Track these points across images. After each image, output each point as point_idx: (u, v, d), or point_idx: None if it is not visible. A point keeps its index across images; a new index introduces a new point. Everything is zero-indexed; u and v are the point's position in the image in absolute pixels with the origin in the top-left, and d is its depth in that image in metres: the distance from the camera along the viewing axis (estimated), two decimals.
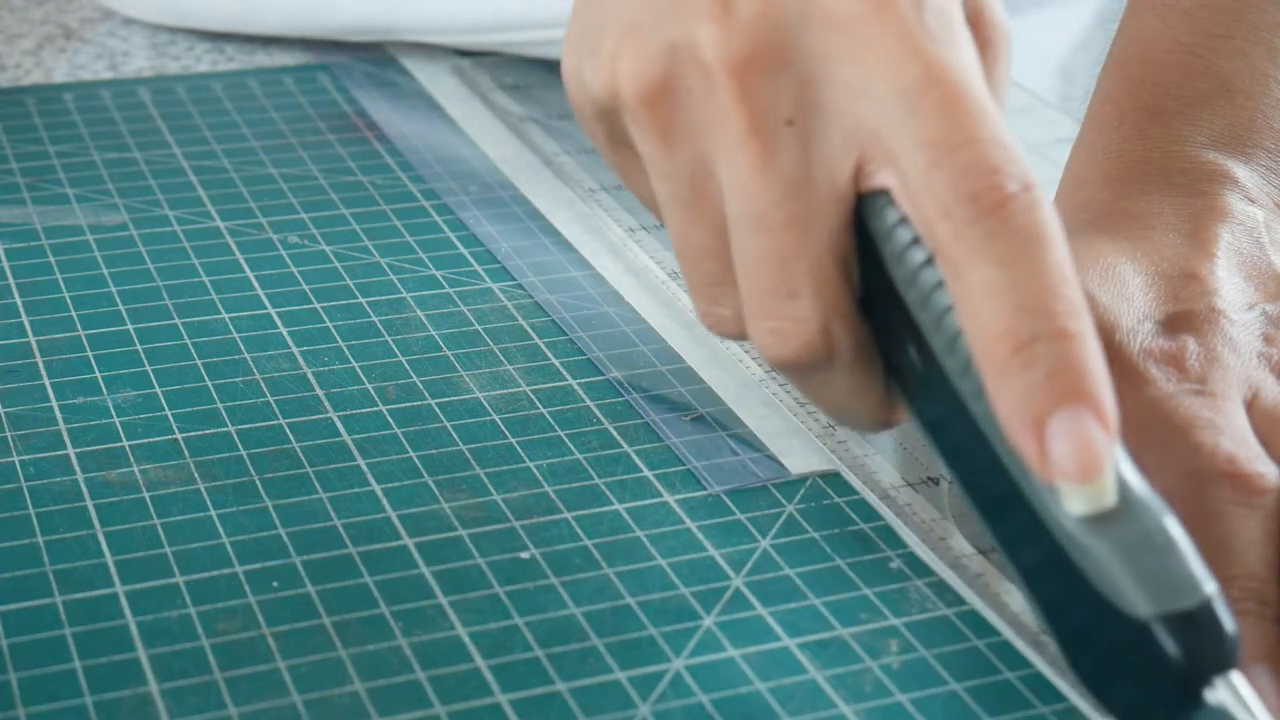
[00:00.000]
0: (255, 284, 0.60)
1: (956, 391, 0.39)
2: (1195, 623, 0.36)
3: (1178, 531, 0.37)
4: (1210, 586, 0.37)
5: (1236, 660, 0.37)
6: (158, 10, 0.80)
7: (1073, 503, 0.37)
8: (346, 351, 0.56)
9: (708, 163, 0.42)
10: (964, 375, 0.39)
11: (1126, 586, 0.37)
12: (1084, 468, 0.37)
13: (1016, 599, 0.46)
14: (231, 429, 0.52)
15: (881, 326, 0.41)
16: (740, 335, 0.43)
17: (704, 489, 0.50)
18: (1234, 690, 0.37)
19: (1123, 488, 0.37)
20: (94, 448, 0.51)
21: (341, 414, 0.53)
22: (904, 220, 0.39)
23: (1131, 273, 0.50)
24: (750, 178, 0.40)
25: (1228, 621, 0.37)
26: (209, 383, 0.54)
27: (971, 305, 0.38)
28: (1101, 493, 0.37)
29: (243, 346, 0.56)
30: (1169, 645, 0.36)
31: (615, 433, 0.53)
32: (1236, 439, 0.45)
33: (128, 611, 0.45)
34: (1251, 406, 0.47)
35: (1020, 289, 0.37)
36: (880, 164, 0.40)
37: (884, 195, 0.40)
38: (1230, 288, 0.50)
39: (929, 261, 0.39)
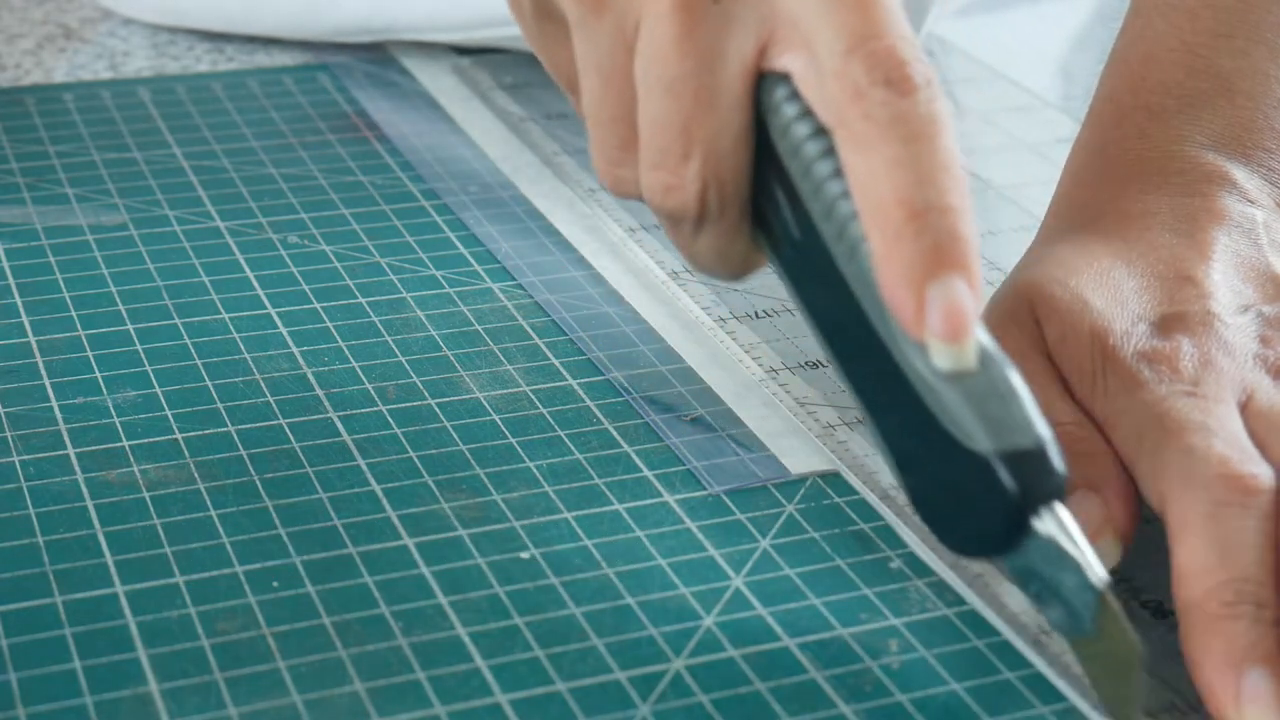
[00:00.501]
0: (255, 284, 0.60)
1: (829, 253, 0.43)
2: (1030, 459, 0.40)
3: (1020, 383, 0.41)
4: (1045, 431, 0.41)
5: (1064, 495, 0.41)
6: (158, 10, 0.80)
7: (940, 360, 0.41)
8: (346, 351, 0.56)
9: (631, 31, 0.44)
10: (838, 239, 0.43)
11: (973, 427, 0.41)
12: (955, 329, 0.40)
13: (1017, 599, 0.46)
14: (231, 429, 0.52)
15: (758, 190, 0.45)
16: (635, 195, 0.47)
17: (704, 489, 0.50)
18: (1059, 520, 0.41)
19: (977, 344, 0.41)
20: (94, 448, 0.51)
21: (341, 414, 0.53)
22: (792, 97, 0.43)
23: (1126, 275, 0.50)
24: (670, 47, 0.43)
25: (1058, 461, 0.41)
26: (209, 383, 0.54)
27: (873, 177, 0.41)
28: (965, 352, 0.41)
29: (243, 346, 0.56)
30: (1006, 478, 0.40)
31: (615, 433, 0.53)
32: (1229, 441, 0.45)
33: (128, 611, 0.45)
34: (1246, 408, 0.47)
35: (921, 164, 0.41)
36: (786, 48, 0.43)
37: (776, 75, 0.43)
38: (1226, 290, 0.50)
39: (813, 136, 0.43)
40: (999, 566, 0.46)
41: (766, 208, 0.45)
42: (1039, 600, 0.42)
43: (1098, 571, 0.41)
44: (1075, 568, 0.41)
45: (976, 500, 0.41)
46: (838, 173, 0.42)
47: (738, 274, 0.47)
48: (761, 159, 0.44)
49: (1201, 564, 0.43)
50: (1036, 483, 0.41)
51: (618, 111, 0.46)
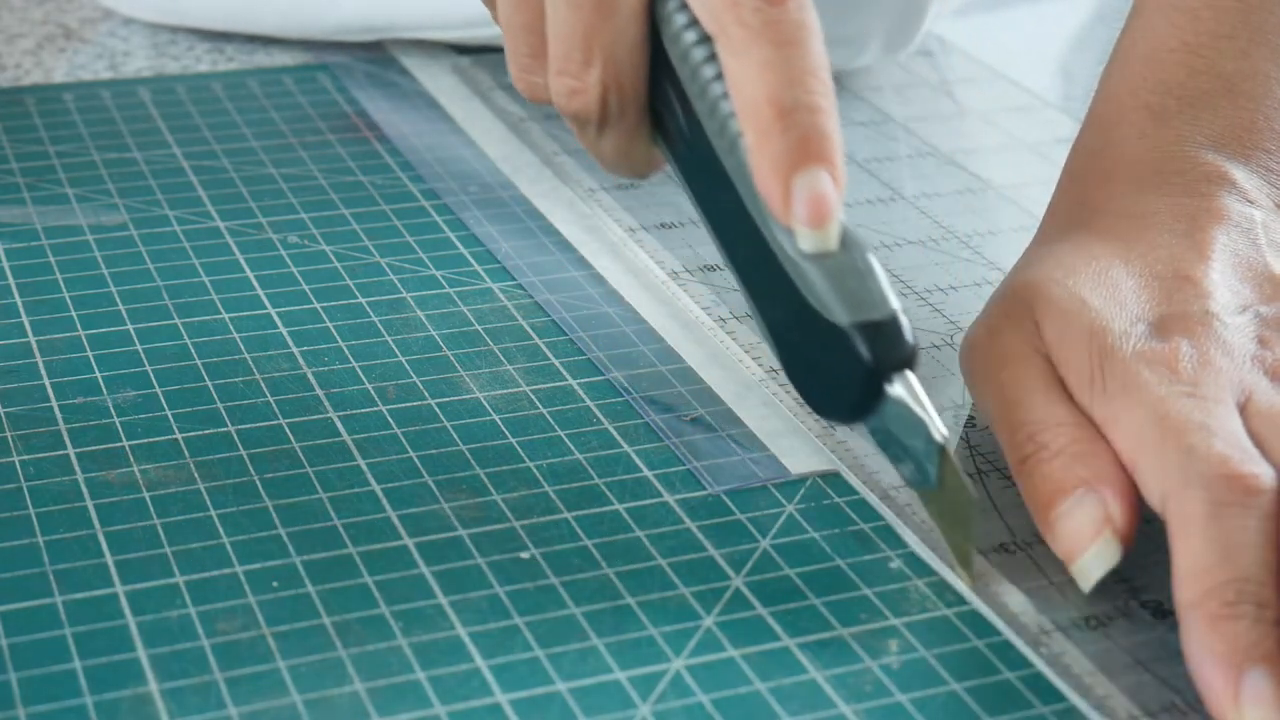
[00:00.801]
0: (255, 284, 0.60)
1: (712, 147, 0.48)
2: (883, 331, 0.45)
3: (877, 264, 0.46)
4: (897, 305, 0.46)
5: (914, 363, 0.46)
6: (157, 10, 0.80)
7: (805, 243, 0.46)
8: (346, 351, 0.56)
9: None
10: (719, 135, 0.47)
11: (832, 302, 0.45)
12: (818, 216, 0.45)
13: (1016, 599, 0.46)
14: (231, 429, 0.52)
15: (655, 94, 0.50)
16: (546, 100, 0.51)
17: (704, 489, 0.50)
18: (909, 386, 0.46)
19: (840, 229, 0.46)
20: (94, 448, 0.51)
21: (341, 414, 0.53)
22: (681, 8, 0.48)
23: (1124, 275, 0.50)
24: None
25: (909, 333, 0.46)
26: (209, 383, 0.54)
27: (748, 78, 0.45)
28: (828, 237, 0.46)
29: (243, 346, 0.56)
30: (861, 347, 0.45)
31: (615, 433, 0.53)
32: (1229, 441, 0.45)
33: (128, 611, 0.45)
34: (1245, 409, 0.47)
35: (790, 67, 0.45)
36: None
37: None
38: (1224, 290, 0.50)
39: (699, 43, 0.47)
40: (863, 431, 0.50)
41: (662, 110, 0.50)
42: (895, 460, 0.47)
43: (940, 429, 0.46)
44: (922, 427, 0.46)
45: (838, 369, 0.46)
46: (719, 76, 0.47)
47: (640, 173, 0.52)
48: (657, 66, 0.49)
49: (1202, 564, 0.43)
50: (889, 352, 0.45)
51: (528, 21, 0.50)
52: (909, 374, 0.46)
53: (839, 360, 0.46)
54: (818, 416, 0.48)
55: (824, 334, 0.46)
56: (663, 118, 0.50)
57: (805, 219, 0.45)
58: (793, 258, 0.46)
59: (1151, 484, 0.45)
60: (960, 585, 0.47)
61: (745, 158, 0.46)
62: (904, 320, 0.46)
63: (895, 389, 0.46)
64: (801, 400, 0.48)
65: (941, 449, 0.46)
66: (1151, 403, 0.46)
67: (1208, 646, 0.42)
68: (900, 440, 0.46)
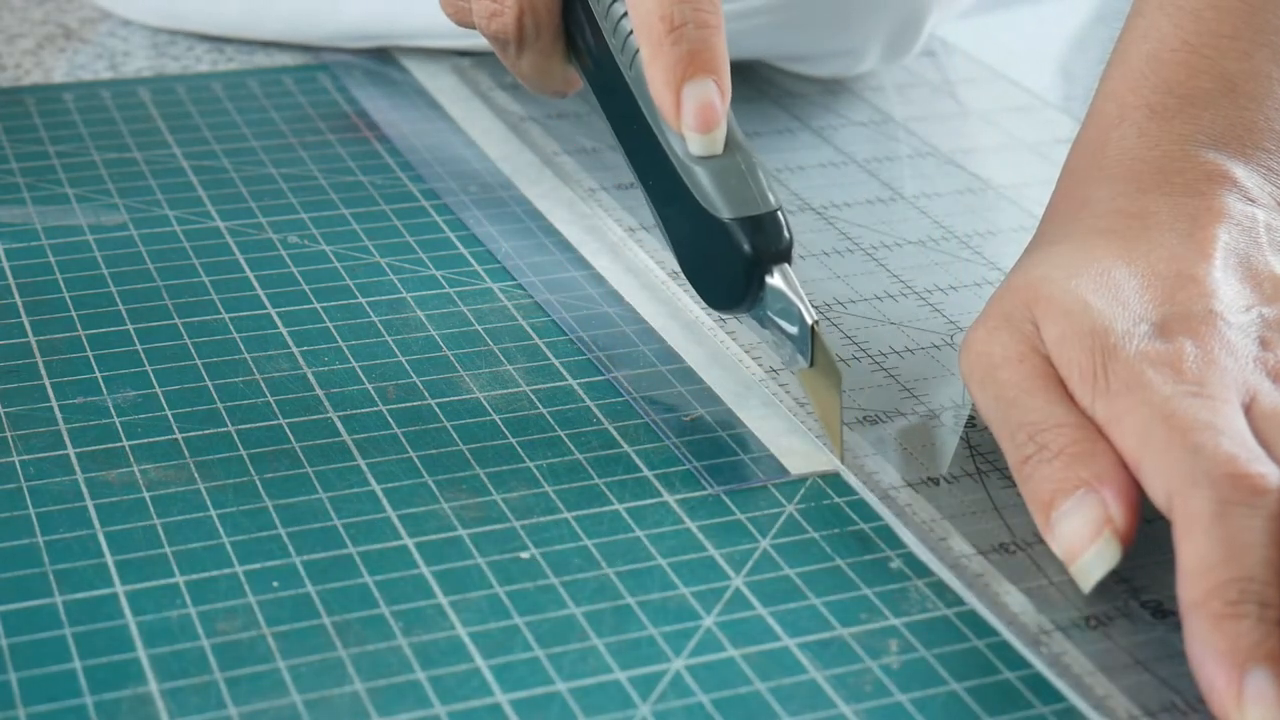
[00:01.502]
0: (255, 284, 0.60)
1: (615, 62, 0.53)
2: (762, 225, 0.51)
3: (760, 166, 0.51)
4: (776, 203, 0.51)
5: (790, 257, 0.51)
6: (157, 14, 0.80)
7: (694, 147, 0.51)
8: (346, 351, 0.56)
9: None
10: (621, 51, 0.53)
11: (717, 199, 0.51)
12: (705, 122, 0.51)
13: (1016, 599, 0.46)
14: (231, 429, 0.52)
15: (567, 17, 0.56)
16: (471, 23, 0.57)
17: (704, 489, 0.50)
18: (787, 275, 0.51)
19: (727, 136, 0.51)
20: (94, 448, 0.51)
21: (341, 414, 0.53)
22: None
23: (1127, 275, 0.50)
24: None
25: (786, 229, 0.51)
26: (209, 383, 0.54)
27: None
28: (715, 141, 0.51)
29: (243, 346, 0.56)
30: (742, 240, 0.50)
31: (615, 433, 0.53)
32: (1236, 440, 0.45)
33: (128, 611, 0.45)
34: (1249, 410, 0.47)
35: None
36: None
37: None
38: (1227, 289, 0.50)
39: None
40: (749, 321, 0.54)
41: (574, 31, 0.56)
42: (776, 346, 0.52)
43: (811, 315, 0.50)
44: (797, 313, 0.50)
45: (724, 261, 0.51)
46: None
47: (559, 90, 0.58)
48: None
49: (1206, 562, 0.43)
50: (768, 244, 0.50)
51: None
52: (787, 267, 0.51)
53: (725, 253, 0.51)
54: (710, 309, 0.53)
55: (711, 230, 0.51)
56: (575, 38, 0.56)
57: (694, 125, 0.51)
58: (684, 161, 0.51)
59: (1156, 483, 0.45)
60: (960, 586, 0.47)
61: (641, 70, 0.52)
62: (782, 216, 0.51)
63: (774, 280, 0.51)
64: (703, 300, 0.53)
65: (813, 331, 0.50)
66: (1157, 402, 0.46)
67: (1211, 645, 0.42)
68: (780, 327, 0.51)
